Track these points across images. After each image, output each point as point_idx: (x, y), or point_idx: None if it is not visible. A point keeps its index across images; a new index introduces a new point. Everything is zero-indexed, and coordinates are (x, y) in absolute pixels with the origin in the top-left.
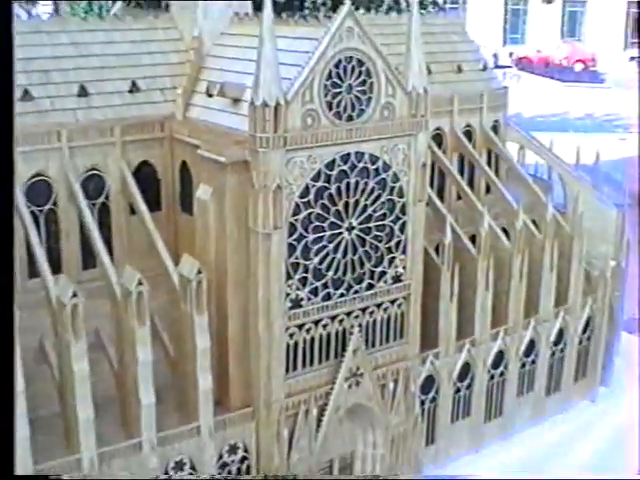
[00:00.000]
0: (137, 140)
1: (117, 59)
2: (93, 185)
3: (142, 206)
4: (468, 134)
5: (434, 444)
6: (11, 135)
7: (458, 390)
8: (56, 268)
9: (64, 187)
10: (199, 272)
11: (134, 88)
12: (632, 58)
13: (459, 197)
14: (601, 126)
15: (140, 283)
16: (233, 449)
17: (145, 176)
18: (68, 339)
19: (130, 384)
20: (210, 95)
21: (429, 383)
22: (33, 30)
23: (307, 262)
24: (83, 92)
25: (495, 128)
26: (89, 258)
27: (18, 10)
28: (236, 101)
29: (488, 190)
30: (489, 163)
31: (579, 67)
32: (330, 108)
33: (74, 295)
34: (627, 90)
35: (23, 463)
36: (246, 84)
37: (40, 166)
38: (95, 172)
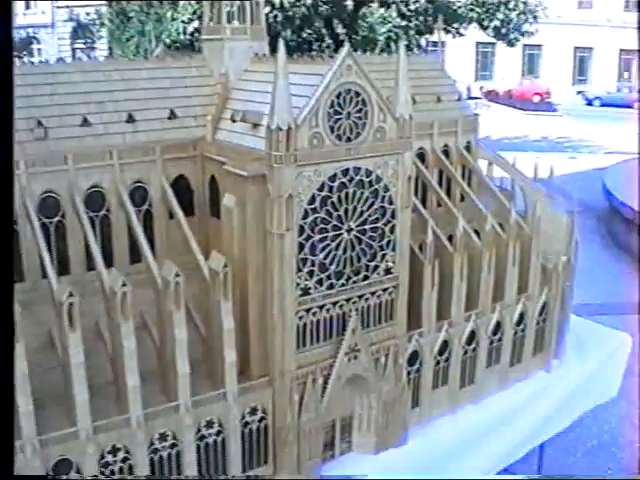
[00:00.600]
0: (174, 158)
1: (158, 92)
2: (138, 195)
3: (179, 212)
4: (446, 153)
5: (418, 407)
6: (11, 136)
7: (438, 363)
8: (109, 263)
9: (115, 197)
10: (225, 266)
11: (172, 115)
12: (578, 92)
13: (439, 204)
14: (554, 147)
15: (177, 275)
16: (253, 411)
17: (181, 187)
18: (119, 321)
19: (169, 358)
20: (234, 121)
21: (414, 357)
22: (92, 69)
23: (314, 258)
24: (131, 119)
25: (468, 148)
26: (135, 255)
27: (80, 54)
28: (255, 126)
29: (462, 199)
30: (463, 176)
31: (537, 99)
32: (332, 131)
33: (123, 284)
34: (575, 118)
35: (84, 422)
36: (264, 112)
37: (96, 180)
38: (140, 184)
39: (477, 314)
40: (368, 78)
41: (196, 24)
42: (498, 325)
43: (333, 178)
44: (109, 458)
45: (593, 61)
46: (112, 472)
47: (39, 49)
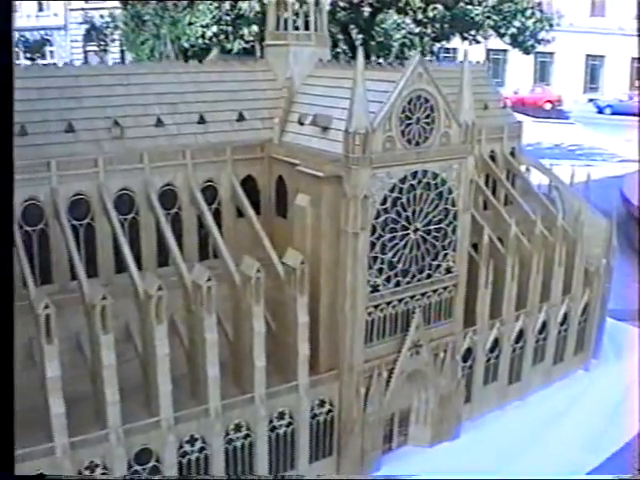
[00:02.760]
0: (243, 159)
1: (227, 95)
2: (208, 194)
3: (250, 211)
4: (492, 158)
5: (470, 402)
6: (10, 138)
7: (489, 360)
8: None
9: (187, 195)
10: (302, 262)
11: (240, 118)
12: (590, 100)
13: (485, 207)
14: (567, 155)
15: (258, 270)
16: (322, 403)
17: (248, 187)
18: (202, 315)
19: (245, 351)
20: (301, 124)
21: (468, 354)
22: (164, 71)
23: (383, 256)
24: (202, 120)
25: (512, 154)
26: (203, 251)
27: (93, 57)
28: (325, 129)
29: (505, 203)
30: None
31: (548, 106)
32: (403, 135)
33: (208, 279)
34: (586, 125)
35: (166, 412)
36: (332, 115)
37: (169, 178)
38: (210, 184)
39: (526, 313)
40: (436, 85)
41: (215, 29)
42: (544, 324)
43: (403, 180)
44: (187, 448)
45: (605, 69)
46: (189, 462)
47: (51, 51)
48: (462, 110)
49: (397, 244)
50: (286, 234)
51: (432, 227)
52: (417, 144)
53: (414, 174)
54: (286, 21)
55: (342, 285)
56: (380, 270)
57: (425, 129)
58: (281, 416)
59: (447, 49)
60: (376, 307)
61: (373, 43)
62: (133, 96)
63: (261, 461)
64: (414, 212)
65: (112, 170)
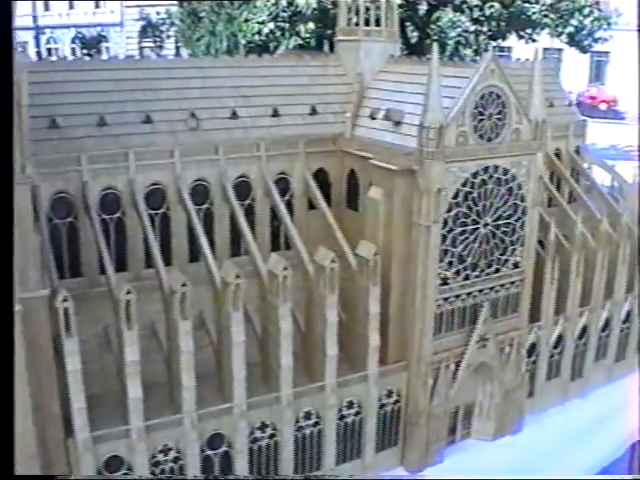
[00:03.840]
0: (315, 152)
1: (299, 89)
2: (281, 186)
3: (322, 203)
4: (557, 155)
5: (533, 397)
6: (10, 138)
7: (552, 355)
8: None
9: (261, 186)
10: (375, 254)
11: (313, 111)
12: None
13: (549, 204)
14: (624, 155)
15: (333, 261)
16: (389, 394)
17: (320, 180)
18: (277, 304)
19: (317, 340)
20: (373, 118)
21: (532, 349)
22: (238, 65)
23: (453, 249)
24: (275, 113)
25: (577, 152)
26: (275, 242)
27: (149, 54)
28: (397, 123)
29: (569, 200)
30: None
31: (604, 106)
32: (475, 131)
33: (285, 268)
34: None
35: (240, 398)
36: (404, 111)
37: (244, 170)
38: (283, 176)
39: (589, 310)
40: (508, 82)
41: (271, 25)
42: (607, 322)
43: (475, 175)
44: (257, 434)
45: None
46: (259, 448)
47: (107, 47)
48: (532, 107)
49: (467, 238)
50: (357, 226)
51: (501, 222)
52: (489, 140)
53: (485, 169)
54: (357, 17)
55: (413, 277)
56: (450, 263)
57: (497, 125)
58: (350, 405)
59: (502, 48)
60: (445, 300)
61: (428, 41)
62: (208, 89)
63: (328, 449)
64: (484, 207)
65: (188, 161)
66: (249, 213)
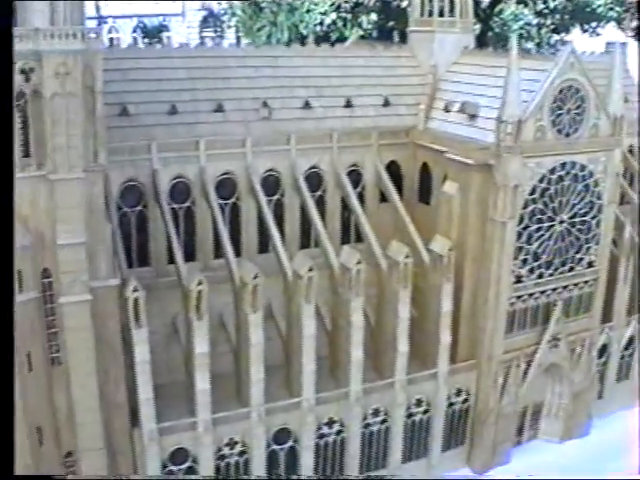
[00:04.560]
0: (388, 144)
1: (372, 79)
2: (352, 178)
3: (394, 196)
4: (630, 152)
5: (601, 399)
6: (11, 138)
7: (622, 357)
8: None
9: (332, 178)
10: (450, 250)
11: (386, 103)
12: None
13: (621, 202)
14: None
15: (407, 256)
16: (458, 392)
17: (392, 173)
18: (349, 297)
19: (387, 336)
20: (447, 111)
21: (603, 350)
22: (310, 54)
23: (528, 247)
24: (348, 104)
25: None
26: (346, 234)
27: (209, 43)
28: (472, 116)
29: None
30: None
31: None
32: (554, 125)
33: (358, 262)
34: None
35: (308, 393)
36: (479, 104)
37: (315, 161)
38: (355, 168)
39: None
40: (587, 76)
41: (333, 16)
42: None
43: (552, 171)
44: (325, 430)
45: None
46: (326, 444)
47: (168, 37)
48: (611, 102)
49: (542, 235)
50: (428, 221)
51: (577, 219)
52: (567, 135)
53: (563, 165)
54: (431, 7)
55: (486, 274)
56: (524, 261)
57: (575, 120)
58: (419, 403)
59: (563, 42)
60: (518, 298)
61: (490, 34)
62: (280, 78)
63: (395, 447)
64: (560, 203)
65: (259, 151)
66: (319, 205)
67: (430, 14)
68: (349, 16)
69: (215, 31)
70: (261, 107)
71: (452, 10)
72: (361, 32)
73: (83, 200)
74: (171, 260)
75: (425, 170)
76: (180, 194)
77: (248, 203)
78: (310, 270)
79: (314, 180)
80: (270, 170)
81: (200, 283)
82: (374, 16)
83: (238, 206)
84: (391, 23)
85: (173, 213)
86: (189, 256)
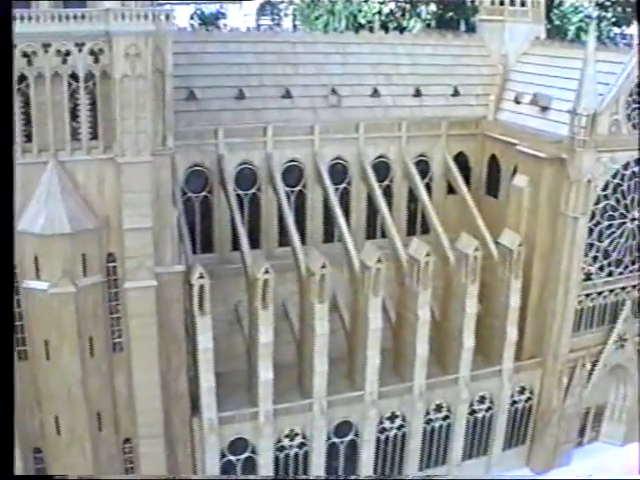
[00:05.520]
0: (457, 135)
1: (441, 68)
2: (420, 168)
3: (463, 188)
4: None
5: None
6: (11, 137)
7: None
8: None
9: (400, 168)
10: (520, 244)
11: (455, 92)
12: None
13: None
14: None
15: (477, 249)
16: (522, 390)
17: (460, 164)
18: (416, 290)
19: (453, 330)
20: (518, 102)
21: None
22: (379, 42)
23: (599, 244)
24: (417, 93)
25: None
26: (411, 226)
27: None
28: (544, 109)
29: None
30: None
31: None
32: (629, 119)
33: (427, 254)
34: None
35: (371, 386)
36: (551, 95)
37: (383, 150)
38: (423, 158)
39: None
40: None
41: (392, 5)
42: None
43: (626, 166)
44: (386, 424)
45: None
46: (387, 438)
47: (225, 24)
48: None
49: (614, 232)
50: (495, 214)
51: None
52: None
53: (637, 161)
54: None
55: (556, 270)
56: (595, 258)
57: None
58: (482, 400)
59: (624, 35)
60: (587, 296)
61: (549, 26)
62: (349, 65)
63: (456, 444)
64: (632, 200)
65: (327, 138)
66: (386, 195)
67: (501, 3)
68: (407, 6)
69: (272, 19)
70: (330, 94)
71: None
72: (420, 22)
73: (150, 184)
74: (235, 247)
75: (493, 162)
76: (246, 180)
77: (314, 191)
78: (379, 261)
79: (381, 170)
80: (337, 158)
81: (267, 272)
82: (433, 6)
83: (304, 194)
84: (450, 13)
85: (238, 200)
86: (253, 243)
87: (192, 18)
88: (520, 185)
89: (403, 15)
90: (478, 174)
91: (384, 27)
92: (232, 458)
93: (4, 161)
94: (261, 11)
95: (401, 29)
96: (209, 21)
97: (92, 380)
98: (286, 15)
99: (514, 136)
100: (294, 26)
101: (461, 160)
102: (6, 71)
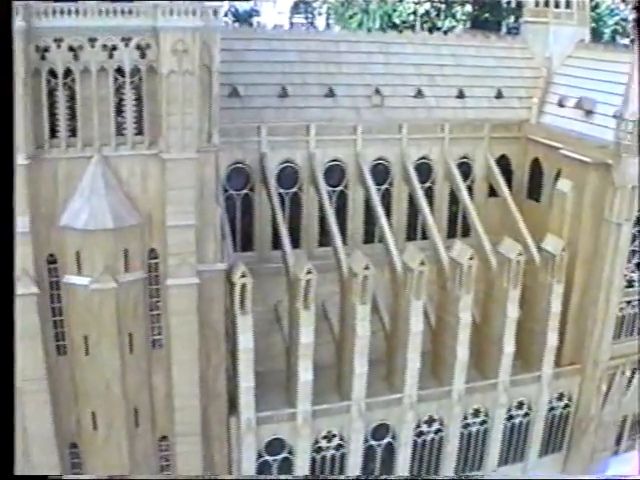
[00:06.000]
0: (499, 137)
1: (485, 70)
2: (462, 170)
3: (505, 191)
4: None
5: None
6: (11, 137)
7: None
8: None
9: (442, 169)
10: (563, 249)
11: (499, 95)
12: None
13: None
14: None
15: (520, 254)
16: (560, 397)
17: (502, 167)
18: (457, 293)
19: (493, 335)
20: (562, 105)
21: None
22: (422, 42)
23: None
24: (460, 94)
25: None
26: (452, 228)
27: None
28: (589, 113)
29: None
30: None
31: None
32: None
33: (471, 258)
34: None
35: (411, 389)
36: (596, 99)
37: (426, 151)
38: (465, 160)
39: None
40: None
41: (427, 6)
42: None
43: None
44: (424, 427)
45: None
46: (424, 442)
47: (258, 22)
48: None
49: None
50: (537, 218)
51: None
52: None
53: None
54: None
55: (598, 277)
56: (638, 265)
57: None
58: (520, 406)
59: None
60: (628, 303)
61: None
62: (392, 65)
63: (492, 449)
64: None
65: (369, 139)
66: (427, 196)
67: (546, 4)
68: (443, 6)
69: (306, 17)
70: (373, 94)
71: (568, 1)
72: (454, 23)
73: (195, 181)
74: (275, 246)
75: (536, 166)
76: (287, 179)
77: (355, 191)
78: (422, 264)
79: (423, 171)
80: (379, 159)
81: (309, 272)
82: (469, 7)
83: (345, 194)
84: (485, 15)
85: (279, 198)
86: (293, 243)
87: (226, 15)
88: (564, 190)
89: (438, 15)
90: (520, 177)
91: (420, 27)
92: (269, 458)
93: (4, 161)
94: (295, 9)
95: (436, 29)
96: (243, 18)
97: (130, 376)
98: (320, 14)
99: (558, 140)
100: (327, 24)
101: (503, 163)
102: (6, 71)
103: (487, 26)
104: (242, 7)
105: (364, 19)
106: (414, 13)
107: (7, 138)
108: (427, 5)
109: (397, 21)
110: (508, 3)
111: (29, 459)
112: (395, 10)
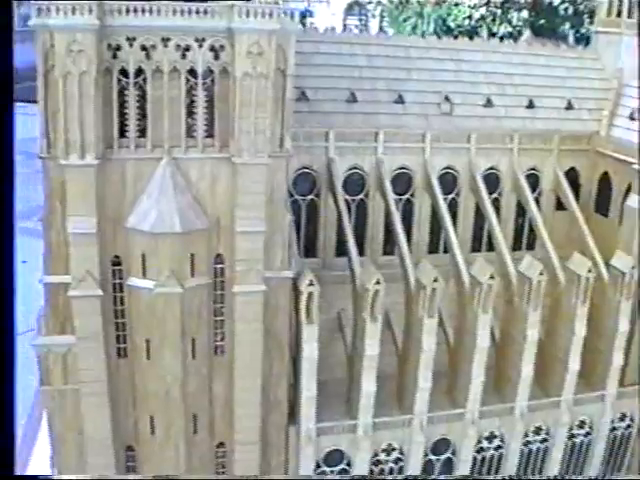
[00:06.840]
0: (568, 149)
1: (555, 80)
2: (530, 182)
3: (574, 205)
4: None
5: None
6: (11, 137)
7: None
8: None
9: (510, 180)
10: (632, 267)
11: (569, 106)
12: None
13: None
14: None
15: (590, 270)
16: (623, 417)
17: (570, 180)
18: (526, 309)
19: (558, 352)
20: (632, 119)
21: None
22: (493, 50)
23: None
24: (530, 105)
25: None
26: (518, 241)
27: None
28: None
29: None
30: None
31: None
32: None
33: (541, 273)
34: None
35: (473, 405)
36: None
37: (494, 162)
38: (533, 172)
39: None
40: None
41: (483, 10)
42: None
43: None
44: (484, 444)
45: None
46: (483, 459)
47: (311, 23)
48: None
49: None
50: (604, 233)
51: None
52: None
53: None
54: (620, 7)
55: None
56: None
57: None
58: (581, 425)
59: None
60: None
61: None
62: (462, 73)
63: (551, 468)
64: None
65: (438, 147)
66: (496, 207)
67: (618, 14)
68: (499, 12)
69: (359, 19)
70: (442, 101)
71: None
72: (509, 28)
73: (266, 187)
74: (339, 253)
75: (605, 180)
76: (354, 185)
77: (422, 200)
78: (491, 278)
79: (491, 181)
80: (447, 168)
81: (377, 282)
82: (525, 14)
83: (411, 202)
84: (542, 21)
85: (345, 205)
86: (358, 250)
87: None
88: (634, 206)
89: (494, 20)
90: (588, 191)
91: (474, 32)
92: (326, 469)
93: (5, 162)
94: (348, 11)
95: (491, 35)
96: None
97: (191, 382)
98: (373, 16)
99: (628, 154)
100: (380, 27)
101: (572, 176)
102: (6, 71)
103: (542, 32)
104: (296, 8)
105: (418, 22)
106: (469, 17)
107: (7, 139)
108: (483, 10)
109: (452, 25)
110: (565, 10)
111: (83, 460)
112: (450, 14)
